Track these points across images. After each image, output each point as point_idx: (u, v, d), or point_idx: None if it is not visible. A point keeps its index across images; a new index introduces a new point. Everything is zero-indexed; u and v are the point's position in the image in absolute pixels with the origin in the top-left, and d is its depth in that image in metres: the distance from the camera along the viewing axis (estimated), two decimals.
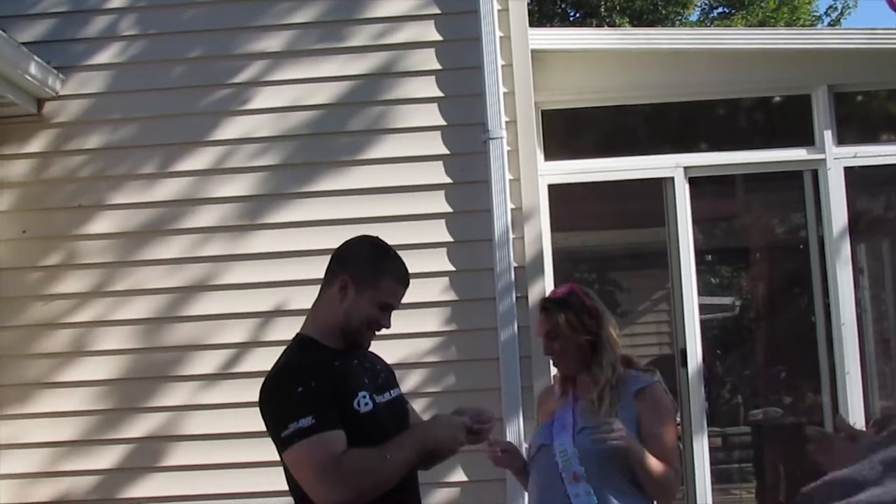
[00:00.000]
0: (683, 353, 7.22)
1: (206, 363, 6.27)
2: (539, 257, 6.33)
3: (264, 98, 6.44)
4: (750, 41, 7.89)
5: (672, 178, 7.31)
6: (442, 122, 6.35)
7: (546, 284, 6.41)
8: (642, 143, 8.01)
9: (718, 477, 7.67)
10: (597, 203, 9.00)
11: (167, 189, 6.40)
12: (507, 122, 6.31)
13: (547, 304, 4.22)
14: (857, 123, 7.71)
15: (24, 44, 6.12)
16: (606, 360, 4.08)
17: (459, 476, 6.05)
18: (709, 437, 7.24)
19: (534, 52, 6.57)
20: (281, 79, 6.45)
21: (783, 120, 8.06)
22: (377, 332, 3.50)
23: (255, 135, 6.40)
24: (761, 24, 21.34)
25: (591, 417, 4.01)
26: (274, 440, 3.26)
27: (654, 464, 3.92)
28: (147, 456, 6.25)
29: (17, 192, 6.48)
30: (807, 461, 2.56)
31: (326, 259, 3.55)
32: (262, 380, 3.35)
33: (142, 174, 6.43)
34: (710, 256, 10.73)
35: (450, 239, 6.26)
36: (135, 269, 6.36)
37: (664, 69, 7.43)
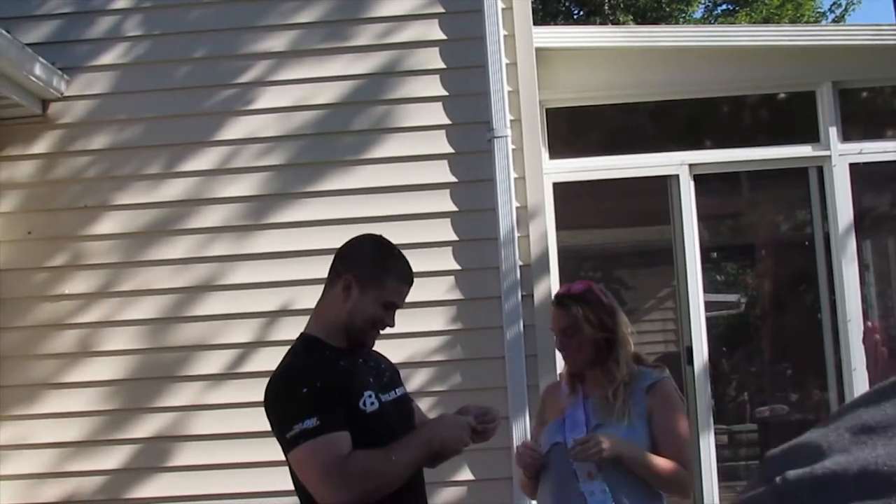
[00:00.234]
0: (689, 350, 7.22)
1: (212, 363, 6.28)
2: (544, 256, 6.33)
3: (269, 98, 6.45)
4: (754, 38, 7.89)
5: (677, 176, 7.31)
6: (446, 121, 6.35)
7: (551, 283, 6.41)
8: (647, 140, 8.01)
9: (725, 474, 7.65)
10: (602, 201, 8.98)
11: (172, 189, 6.41)
12: (511, 121, 6.31)
13: (564, 299, 4.16)
14: (862, 120, 7.71)
15: (28, 45, 6.13)
16: (622, 357, 4.07)
17: (466, 475, 6.05)
18: (715, 434, 7.25)
19: (538, 50, 6.57)
20: (285, 78, 6.46)
21: (788, 117, 8.06)
22: (381, 331, 3.50)
23: (259, 135, 6.41)
24: (765, 21, 21.33)
25: (604, 414, 4.00)
26: (279, 441, 3.26)
27: (660, 463, 3.91)
28: (153, 456, 6.25)
29: (22, 193, 6.49)
30: None
31: (331, 258, 3.55)
32: (267, 380, 3.36)
33: (147, 174, 6.44)
34: (715, 254, 10.67)
35: (455, 238, 6.26)
36: (140, 270, 6.37)
37: (668, 67, 7.43)
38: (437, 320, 6.20)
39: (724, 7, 24.01)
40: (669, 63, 7.44)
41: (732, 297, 12.04)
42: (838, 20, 23.22)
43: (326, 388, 3.20)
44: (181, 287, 6.34)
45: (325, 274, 3.54)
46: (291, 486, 3.37)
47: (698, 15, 23.34)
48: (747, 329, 11.27)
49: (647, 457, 3.90)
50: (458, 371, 6.21)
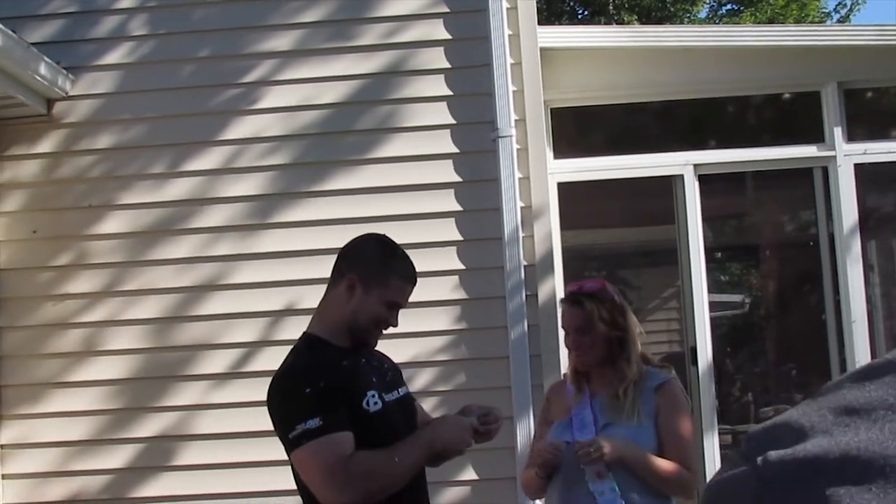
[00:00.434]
0: (693, 350, 7.21)
1: (217, 362, 6.28)
2: (549, 255, 6.33)
3: (273, 97, 6.45)
4: (759, 38, 7.87)
5: (682, 176, 7.30)
6: (451, 121, 6.35)
7: (556, 283, 6.41)
8: (652, 140, 8.01)
9: None
10: (606, 201, 8.99)
11: (177, 189, 6.41)
12: (516, 121, 6.31)
13: (578, 297, 4.13)
14: (867, 120, 7.70)
15: (33, 44, 6.13)
16: (633, 356, 4.06)
17: (470, 475, 6.05)
18: (719, 434, 7.23)
19: (543, 50, 6.57)
20: (290, 78, 6.46)
21: (793, 117, 8.05)
22: (385, 331, 3.50)
23: (264, 134, 6.41)
24: (770, 21, 21.32)
25: (613, 413, 4.00)
26: (282, 440, 3.26)
27: (662, 465, 3.91)
28: (158, 455, 6.26)
29: (27, 193, 6.49)
30: None
31: (335, 258, 3.55)
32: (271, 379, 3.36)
33: (151, 174, 6.44)
34: (719, 254, 10.70)
35: (459, 238, 6.26)
36: (145, 269, 6.37)
37: (673, 67, 7.42)
38: (442, 320, 6.20)
39: (728, 7, 24.00)
40: (674, 63, 7.43)
41: (737, 298, 12.06)
42: (843, 20, 23.20)
43: (329, 388, 3.20)
44: (185, 286, 6.35)
45: (329, 273, 3.54)
46: (295, 486, 3.37)
47: (703, 15, 23.35)
48: (751, 329, 11.29)
49: (649, 459, 3.90)
50: (462, 371, 6.21)
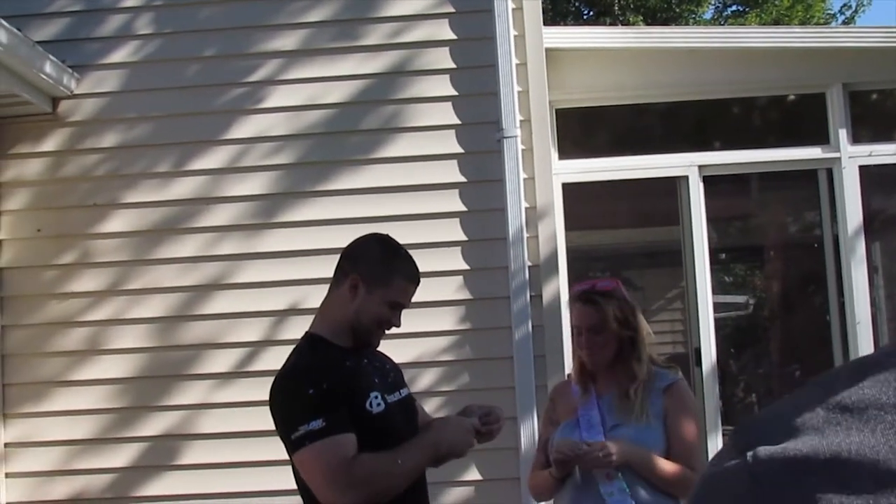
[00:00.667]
0: (698, 351, 7.22)
1: (221, 362, 6.28)
2: (553, 256, 6.33)
3: (279, 97, 6.45)
4: (764, 40, 7.87)
5: (686, 177, 7.31)
6: (456, 121, 6.35)
7: (560, 283, 6.41)
8: (656, 141, 8.01)
9: None
10: (611, 201, 8.97)
11: (182, 188, 6.41)
12: (521, 121, 6.30)
13: (592, 296, 4.10)
14: (872, 122, 7.70)
15: (39, 43, 6.14)
16: (644, 357, 4.06)
17: (473, 475, 6.05)
18: (723, 435, 7.23)
19: (548, 50, 6.57)
20: (295, 77, 6.46)
21: (798, 118, 8.05)
22: (387, 331, 3.49)
23: (269, 133, 6.41)
24: (775, 23, 21.31)
25: (621, 414, 3.99)
26: (284, 441, 3.25)
27: (668, 467, 3.90)
28: (161, 454, 6.26)
29: (32, 191, 6.50)
30: None
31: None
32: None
33: (156, 173, 6.44)
34: (724, 255, 10.67)
35: (464, 238, 6.26)
36: (149, 268, 6.37)
37: (678, 68, 7.43)
38: (446, 320, 6.20)
39: (734, 8, 24.00)
40: (679, 64, 7.43)
41: (741, 299, 12.03)
42: (848, 21, 23.20)
43: (332, 389, 3.20)
44: (190, 285, 6.35)
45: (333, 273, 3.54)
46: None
47: (708, 16, 23.34)
48: (756, 330, 11.26)
49: (655, 462, 3.89)
50: (467, 371, 6.21)
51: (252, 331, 6.27)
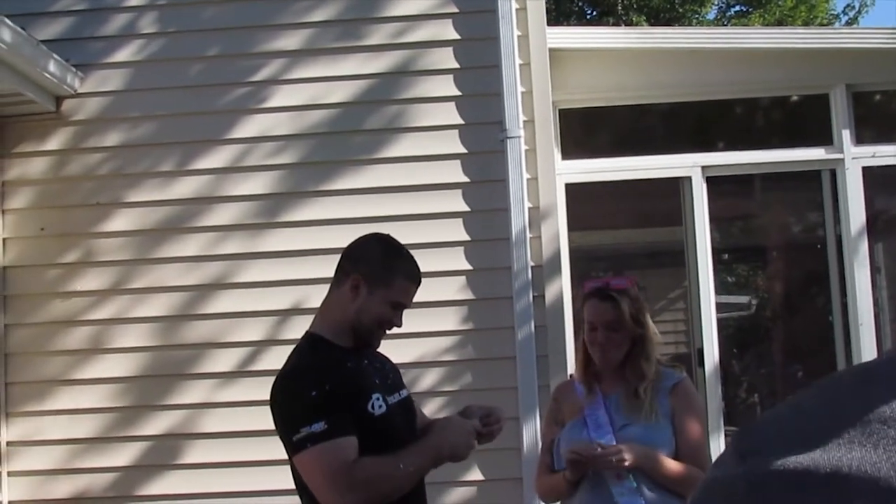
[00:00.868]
0: (700, 352, 7.22)
1: (223, 361, 6.29)
2: (556, 256, 6.33)
3: (282, 96, 6.45)
4: (768, 40, 7.86)
5: (689, 178, 7.30)
6: (459, 121, 6.35)
7: (563, 283, 6.41)
8: (660, 142, 8.01)
9: None
10: (614, 202, 8.97)
11: (185, 187, 6.42)
12: (524, 121, 6.31)
13: (611, 293, 4.10)
14: (875, 123, 7.69)
15: (43, 41, 6.14)
16: (653, 355, 4.06)
17: (476, 475, 6.05)
18: (725, 436, 7.22)
19: (551, 50, 6.57)
20: (298, 77, 6.46)
21: (801, 119, 8.04)
22: (388, 332, 3.49)
23: (272, 133, 6.41)
24: (779, 23, 21.29)
25: (630, 413, 3.98)
26: (284, 441, 3.25)
27: (675, 466, 3.90)
28: (163, 454, 6.26)
29: (35, 190, 6.50)
30: None
31: None
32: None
33: (160, 172, 6.45)
34: (727, 255, 10.67)
35: (467, 238, 6.26)
36: (152, 267, 6.38)
37: (682, 68, 7.42)
38: (449, 320, 6.20)
39: (737, 8, 23.96)
40: (682, 64, 7.42)
41: (743, 299, 12.02)
42: (852, 22, 23.17)
43: (335, 391, 3.19)
44: (193, 285, 6.35)
45: None
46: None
47: (711, 16, 23.31)
48: (758, 331, 11.26)
49: (663, 463, 3.89)
50: (469, 371, 6.21)
51: (254, 330, 6.27)
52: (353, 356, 3.40)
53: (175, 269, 6.36)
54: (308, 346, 3.43)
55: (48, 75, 6.10)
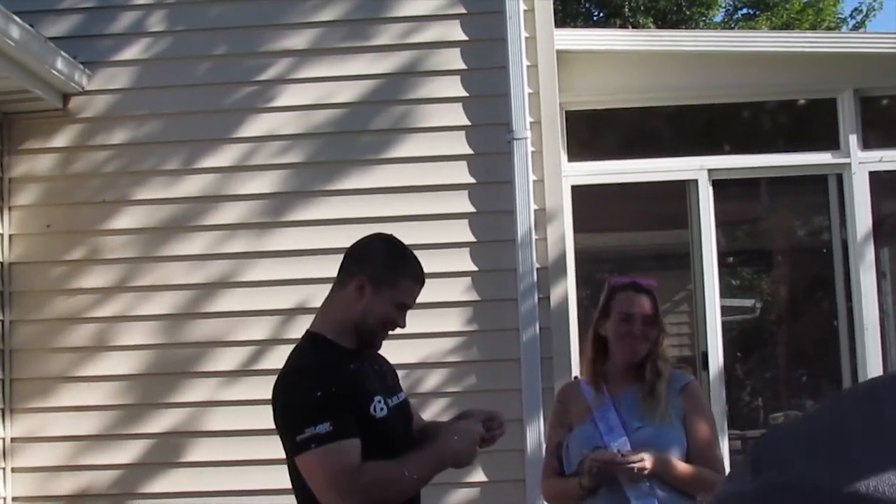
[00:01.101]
0: (704, 355, 7.21)
1: (228, 360, 6.29)
2: (562, 258, 6.33)
3: (289, 96, 6.45)
4: (775, 44, 7.86)
5: (696, 181, 7.29)
6: (466, 122, 6.34)
7: (568, 285, 6.41)
8: (666, 144, 8.00)
9: None
10: (620, 204, 8.96)
11: (191, 185, 6.42)
12: (531, 123, 6.30)
13: (649, 288, 4.18)
14: (882, 127, 7.68)
15: (51, 39, 6.15)
16: (667, 356, 4.09)
17: (479, 476, 6.04)
18: (729, 439, 7.22)
19: (559, 52, 6.57)
20: (306, 77, 6.46)
21: (808, 123, 8.04)
22: (391, 332, 3.48)
23: (279, 132, 6.41)
24: (786, 26, 21.27)
25: (644, 413, 3.99)
26: (286, 441, 3.24)
27: (686, 468, 3.92)
28: (167, 451, 6.26)
29: (42, 187, 6.51)
30: None
31: None
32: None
33: (166, 170, 6.45)
34: (732, 259, 10.66)
35: (473, 239, 6.26)
36: (158, 265, 6.38)
37: (688, 71, 7.42)
38: (454, 321, 6.20)
39: (744, 11, 23.95)
40: (689, 67, 7.42)
41: (748, 303, 12.01)
42: (859, 26, 23.15)
43: (340, 392, 3.19)
44: (198, 283, 6.35)
45: None
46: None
47: (718, 19, 23.30)
48: (763, 334, 11.25)
49: (675, 466, 3.90)
50: (474, 372, 6.20)
51: (259, 329, 6.27)
52: (354, 357, 3.38)
53: (180, 268, 6.37)
54: (310, 346, 3.42)
55: (56, 72, 6.11)
